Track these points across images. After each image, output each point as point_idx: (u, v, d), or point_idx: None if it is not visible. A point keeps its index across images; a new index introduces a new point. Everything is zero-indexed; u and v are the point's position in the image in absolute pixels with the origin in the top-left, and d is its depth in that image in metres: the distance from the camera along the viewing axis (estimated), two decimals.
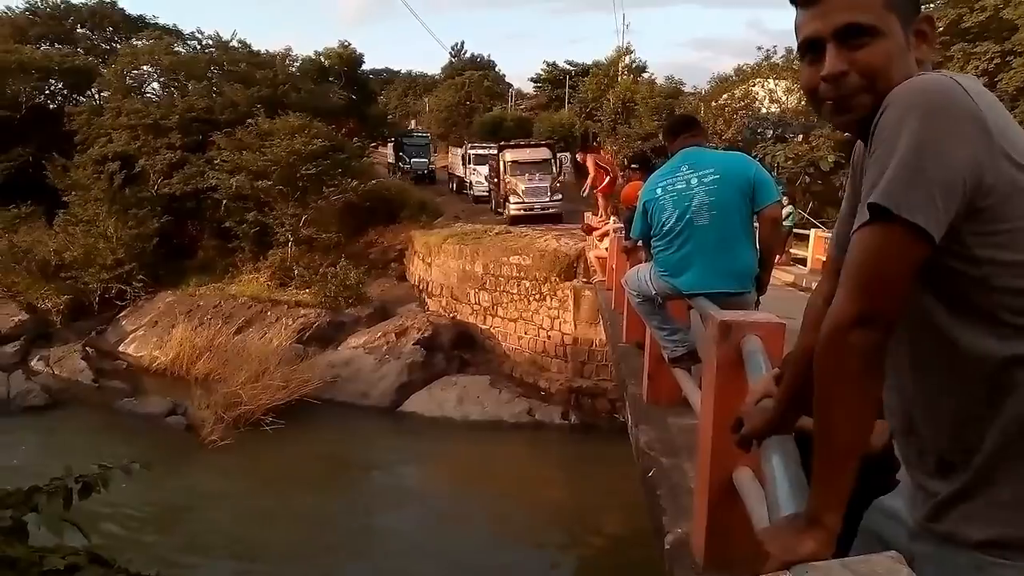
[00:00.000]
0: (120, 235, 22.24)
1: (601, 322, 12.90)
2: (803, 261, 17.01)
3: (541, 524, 12.16)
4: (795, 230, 17.64)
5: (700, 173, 4.19)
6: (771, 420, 1.78)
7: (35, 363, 19.08)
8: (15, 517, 2.82)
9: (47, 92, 29.80)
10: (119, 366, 19.43)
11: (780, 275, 14.44)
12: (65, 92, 30.19)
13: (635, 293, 4.69)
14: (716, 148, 5.09)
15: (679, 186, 4.22)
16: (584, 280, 16.63)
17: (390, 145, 38.25)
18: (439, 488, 13.40)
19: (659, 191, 4.29)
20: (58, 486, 3.02)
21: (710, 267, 4.14)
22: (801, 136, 23.95)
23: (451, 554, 10.95)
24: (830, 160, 21.46)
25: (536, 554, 11.30)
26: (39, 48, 30.92)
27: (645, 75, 34.89)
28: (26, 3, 34.26)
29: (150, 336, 20.30)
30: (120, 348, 20.46)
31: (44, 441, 14.99)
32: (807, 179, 22.23)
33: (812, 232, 17.20)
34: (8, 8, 34.61)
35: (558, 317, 17.62)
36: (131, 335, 20.86)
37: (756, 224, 4.29)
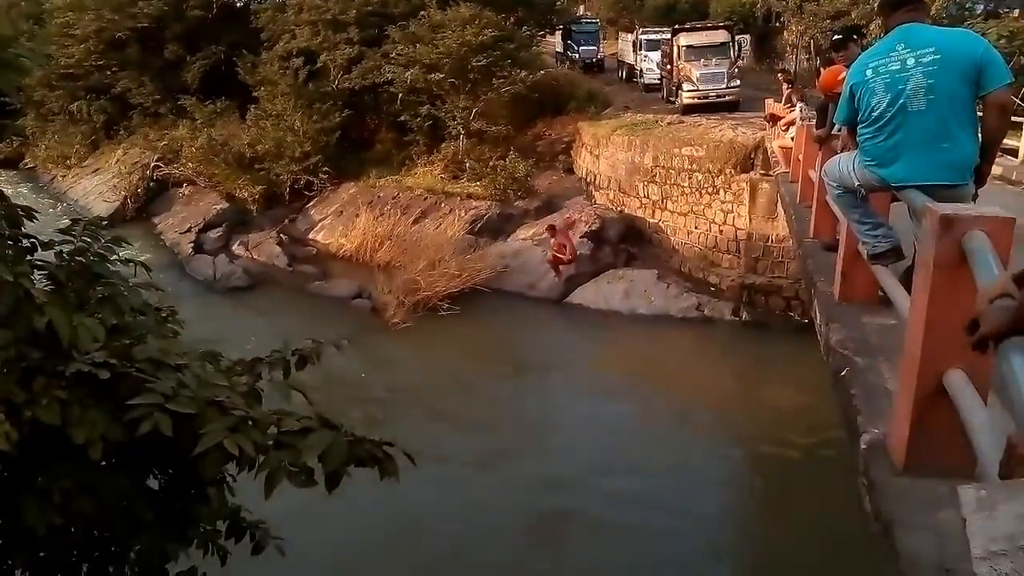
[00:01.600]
0: (306, 128, 23.39)
1: (783, 216, 12.36)
2: (1014, 152, 15.28)
3: (716, 422, 12.19)
4: None
5: (918, 53, 3.78)
6: (1014, 320, 1.66)
7: (236, 247, 20.88)
8: (249, 384, 3.16)
9: None
10: (309, 252, 20.91)
11: None
12: None
13: (835, 184, 4.42)
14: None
15: (893, 67, 3.84)
16: (762, 172, 15.90)
17: (558, 33, 37.40)
18: (608, 380, 13.66)
19: (869, 73, 3.93)
20: (277, 358, 3.34)
21: (925, 157, 3.80)
22: (1018, 11, 21.10)
23: (625, 450, 11.21)
24: None
25: (713, 453, 11.38)
26: None
27: None
28: None
29: (336, 225, 21.58)
30: (310, 235, 21.93)
31: (248, 318, 16.58)
32: (1023, 60, 19.68)
33: None
34: None
35: (731, 211, 17.05)
36: (319, 223, 22.27)
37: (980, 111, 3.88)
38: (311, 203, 23.38)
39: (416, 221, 20.35)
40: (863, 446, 3.11)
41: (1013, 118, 16.12)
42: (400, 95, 23.87)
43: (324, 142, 23.65)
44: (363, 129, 25.94)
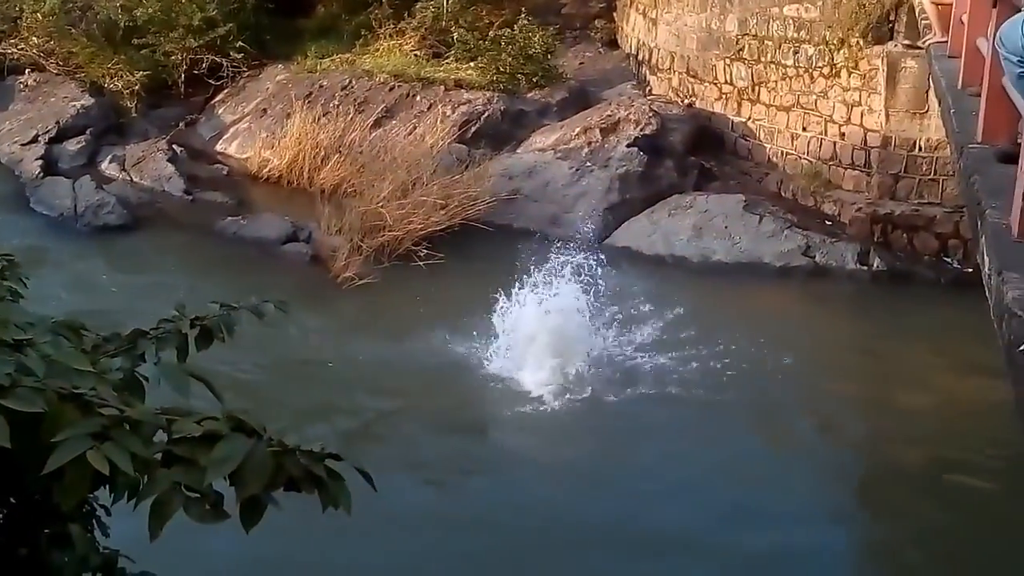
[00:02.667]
0: None
1: (937, 109, 12.27)
2: None
3: (831, 432, 12.25)
4: None
5: None
6: None
7: (106, 166, 20.77)
8: (126, 369, 3.17)
9: None
10: (217, 172, 20.83)
11: None
12: None
13: (1016, 59, 4.42)
14: None
15: None
16: (906, 43, 15.86)
17: None
18: (667, 361, 13.64)
19: None
20: (169, 331, 3.34)
21: None
22: None
23: (695, 476, 11.27)
24: None
25: (826, 480, 11.47)
26: None
27: None
28: None
29: (257, 130, 21.44)
30: (217, 146, 21.82)
31: (125, 271, 16.65)
32: None
33: None
34: None
35: (859, 103, 17.03)
36: (231, 128, 22.16)
37: None
38: (219, 97, 23.24)
39: (378, 123, 20.26)
40: None
41: None
42: None
43: (237, 4, 23.41)
44: None
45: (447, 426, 12.39)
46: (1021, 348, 3.89)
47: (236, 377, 11.88)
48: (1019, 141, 5.24)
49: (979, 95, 7.02)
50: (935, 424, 12.05)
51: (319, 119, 20.34)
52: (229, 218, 18.42)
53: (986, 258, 5.05)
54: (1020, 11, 4.77)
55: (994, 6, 6.82)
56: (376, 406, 12.94)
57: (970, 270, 13.85)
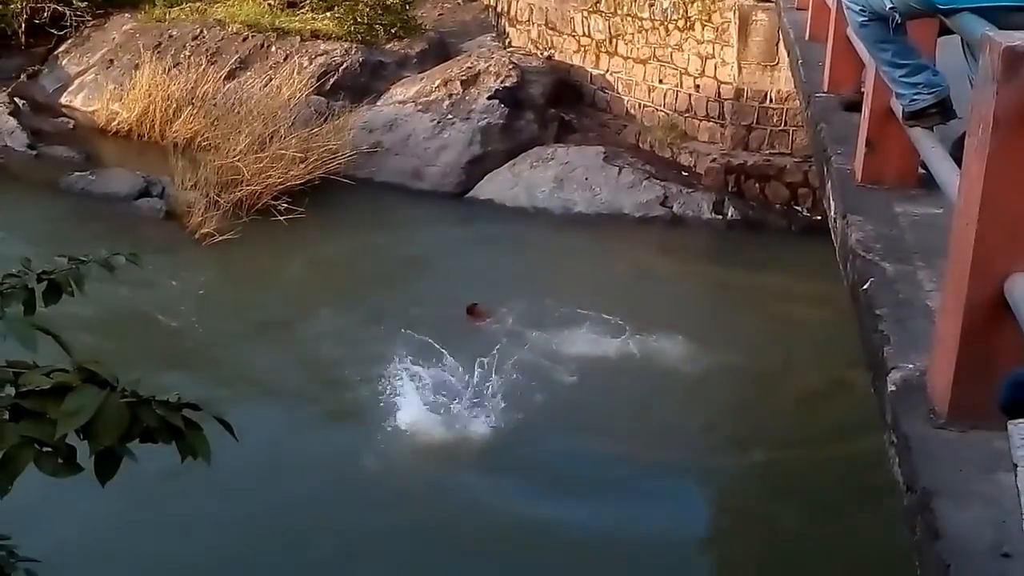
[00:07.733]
0: None
1: (787, 61, 12.56)
2: None
3: (686, 371, 12.45)
4: None
5: None
6: None
7: None
8: None
9: None
10: (63, 125, 20.16)
11: None
12: None
13: (858, 9, 4.53)
14: None
15: None
16: None
17: None
18: (524, 309, 13.70)
19: None
20: (14, 286, 3.24)
21: None
22: None
23: (531, 432, 11.29)
24: None
25: (680, 423, 11.61)
26: None
27: None
28: None
29: (104, 81, 20.85)
30: (62, 100, 21.16)
31: None
32: None
33: None
34: None
35: (713, 56, 17.27)
36: (77, 80, 21.49)
37: None
38: (62, 48, 22.54)
39: (232, 75, 19.88)
40: (891, 387, 3.26)
41: None
42: None
43: None
44: None
45: (297, 381, 12.24)
46: (865, 287, 4.02)
47: (90, 335, 11.56)
48: (862, 89, 5.40)
49: (827, 45, 7.21)
50: (781, 352, 12.53)
51: (169, 70, 19.86)
52: (76, 173, 17.80)
53: (832, 202, 5.22)
54: None
55: None
56: (235, 361, 12.70)
57: (819, 218, 14.23)
